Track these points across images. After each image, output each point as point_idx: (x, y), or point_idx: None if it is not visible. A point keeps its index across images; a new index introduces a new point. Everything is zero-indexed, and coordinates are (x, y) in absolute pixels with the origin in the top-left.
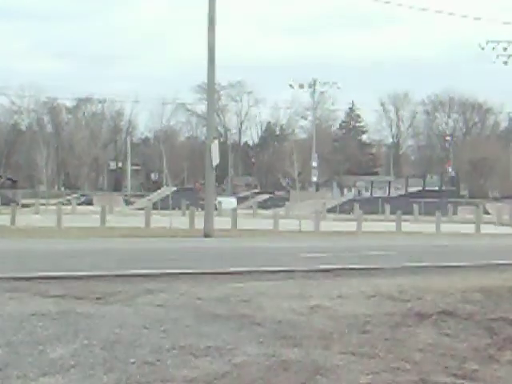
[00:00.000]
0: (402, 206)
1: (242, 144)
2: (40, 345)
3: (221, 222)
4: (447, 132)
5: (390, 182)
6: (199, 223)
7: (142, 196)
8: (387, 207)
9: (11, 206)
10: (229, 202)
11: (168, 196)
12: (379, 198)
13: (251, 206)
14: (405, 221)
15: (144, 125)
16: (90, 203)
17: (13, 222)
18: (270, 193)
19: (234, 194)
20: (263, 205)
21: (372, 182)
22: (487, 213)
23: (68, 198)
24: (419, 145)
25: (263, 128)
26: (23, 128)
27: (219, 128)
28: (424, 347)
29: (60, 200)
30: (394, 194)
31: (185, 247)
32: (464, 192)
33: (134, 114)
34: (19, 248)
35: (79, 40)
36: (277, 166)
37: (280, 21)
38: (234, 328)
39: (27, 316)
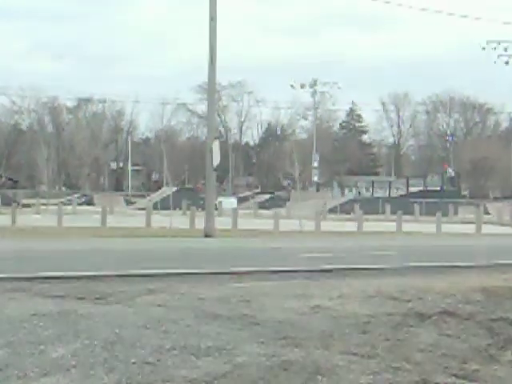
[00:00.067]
0: (403, 206)
1: (242, 144)
2: (41, 345)
3: (221, 222)
4: (448, 132)
5: (390, 182)
6: (200, 223)
7: (143, 196)
8: (388, 207)
9: (12, 206)
10: (229, 202)
11: (169, 196)
12: (380, 198)
13: (252, 206)
14: (405, 221)
15: (145, 125)
16: (90, 203)
17: (13, 221)
18: (271, 193)
19: (234, 194)
20: (264, 205)
21: (373, 182)
22: (488, 213)
23: (69, 198)
24: (420, 145)
25: (264, 128)
26: (24, 128)
27: (220, 128)
28: (425, 347)
29: (61, 200)
30: (394, 194)
31: (185, 247)
32: (465, 192)
33: (135, 114)
34: (20, 248)
35: (79, 40)
36: (277, 166)
37: (280, 21)
38: (235, 328)
39: (28, 316)
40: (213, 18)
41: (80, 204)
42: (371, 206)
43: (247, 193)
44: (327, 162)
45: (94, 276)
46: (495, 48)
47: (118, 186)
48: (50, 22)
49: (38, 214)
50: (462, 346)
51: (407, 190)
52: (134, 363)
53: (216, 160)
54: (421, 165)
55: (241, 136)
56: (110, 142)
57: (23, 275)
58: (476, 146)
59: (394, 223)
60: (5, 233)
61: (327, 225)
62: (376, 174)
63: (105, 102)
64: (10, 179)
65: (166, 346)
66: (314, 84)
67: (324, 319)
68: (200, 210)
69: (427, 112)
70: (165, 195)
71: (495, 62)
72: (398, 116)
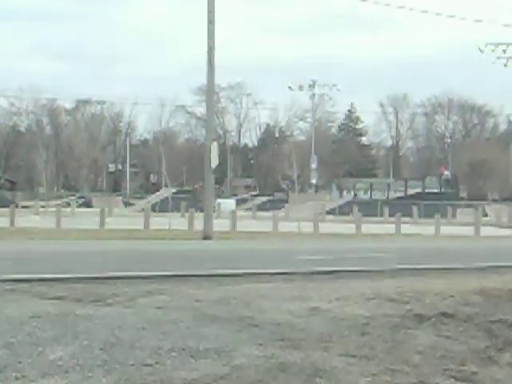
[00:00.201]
0: (401, 208)
1: (241, 146)
2: (39, 346)
3: (220, 224)
4: (446, 134)
5: (389, 184)
6: (198, 225)
7: (141, 198)
8: (386, 209)
9: (10, 207)
10: (228, 204)
11: (167, 198)
12: (378, 200)
13: (250, 208)
14: (404, 223)
15: (143, 126)
16: (89, 205)
17: (12, 223)
18: (270, 195)
19: (233, 195)
20: (262, 207)
21: (371, 184)
22: (486, 215)
23: (65, 200)
24: (418, 147)
25: (262, 130)
26: (22, 130)
27: (218, 130)
28: (423, 349)
29: (59, 202)
30: (393, 196)
31: (184, 249)
32: (463, 194)
33: (133, 116)
34: (18, 249)
35: (79, 40)
36: (276, 168)
37: (280, 21)
38: (234, 330)
39: (26, 318)
40: (211, 21)
41: (78, 206)
42: (370, 208)
43: (246, 195)
44: (326, 164)
45: (93, 278)
46: (493, 50)
47: (116, 188)
48: (50, 23)
49: (37, 215)
50: (460, 348)
51: (406, 192)
52: (132, 365)
53: (214, 162)
54: (419, 167)
55: (239, 138)
56: (109, 143)
57: (22, 277)
58: (474, 148)
59: (393, 225)
60: (3, 234)
61: (326, 227)
62: (374, 175)
63: (103, 103)
64: (8, 181)
65: (165, 347)
66: (312, 86)
67: (322, 321)
68: (198, 211)
69: (426, 114)
70: (163, 197)
71: (494, 63)
72: (397, 118)
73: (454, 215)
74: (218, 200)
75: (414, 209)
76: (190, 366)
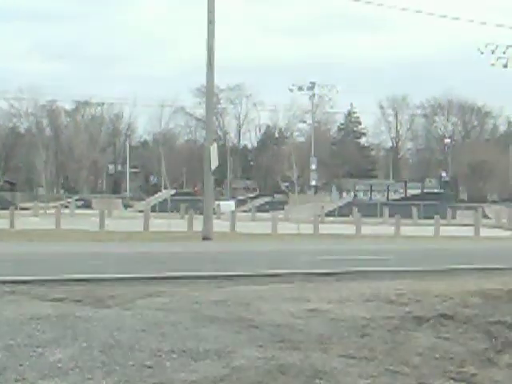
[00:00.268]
0: (401, 209)
1: (240, 147)
2: (39, 348)
3: (219, 226)
4: (446, 135)
5: (388, 186)
6: (198, 226)
7: (141, 199)
8: (386, 210)
9: (10, 208)
10: (227, 205)
11: (167, 199)
12: (378, 201)
13: (250, 209)
14: (404, 224)
15: (143, 128)
16: (88, 206)
17: (11, 224)
18: (269, 196)
19: (232, 197)
20: (262, 208)
21: (371, 186)
22: (486, 216)
23: (62, 202)
24: (418, 148)
25: (262, 131)
26: (22, 131)
27: (218, 131)
28: (423, 351)
29: (60, 203)
30: (393, 197)
31: (183, 250)
32: (463, 195)
33: (133, 117)
34: (18, 251)
35: (78, 41)
36: (276, 169)
37: (279, 21)
38: (233, 331)
39: (26, 319)
40: (211, 21)
41: (78, 207)
42: (369, 209)
43: (245, 196)
44: (325, 165)
45: (92, 279)
46: (493, 51)
47: (116, 189)
48: (50, 23)
49: (36, 217)
50: (459, 350)
51: (405, 193)
52: (132, 366)
53: (214, 163)
54: (419, 168)
55: (239, 139)
56: (108, 145)
57: (21, 278)
58: (474, 150)
59: (393, 226)
60: (3, 236)
61: (325, 228)
62: (374, 177)
63: (103, 104)
64: (7, 182)
65: (165, 349)
66: (312, 87)
67: (322, 322)
68: (198, 213)
69: (425, 115)
70: (163, 198)
71: (493, 65)
72: (396, 119)
73: (453, 216)
74: (218, 201)
75: (414, 210)
76: (189, 368)
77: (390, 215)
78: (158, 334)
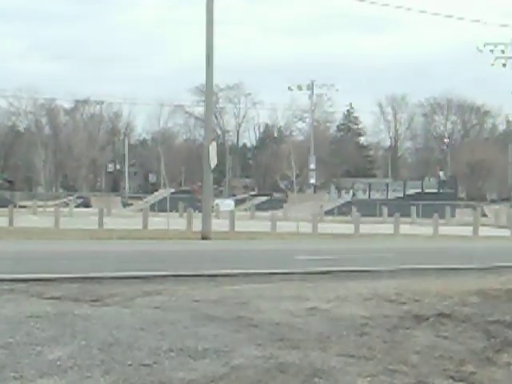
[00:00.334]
0: (400, 208)
1: (239, 146)
2: (37, 346)
3: (218, 224)
4: (445, 134)
5: (387, 185)
6: (197, 225)
7: (140, 198)
8: (385, 209)
9: (9, 207)
10: (226, 204)
11: (165, 198)
12: (377, 200)
13: (249, 208)
14: (403, 223)
15: (142, 126)
16: (87, 205)
17: (10, 223)
18: (268, 195)
19: (231, 195)
20: (261, 207)
21: (370, 185)
22: (485, 215)
23: (64, 200)
24: (417, 147)
25: (261, 130)
26: (21, 130)
27: (217, 130)
28: (421, 349)
29: (60, 201)
30: (391, 196)
31: (182, 249)
32: (462, 194)
33: (132, 116)
34: (17, 249)
35: (78, 41)
36: (275, 168)
37: (279, 21)
38: (232, 330)
39: (24, 318)
40: (210, 21)
41: (77, 206)
42: (368, 208)
43: (244, 195)
44: (324, 164)
45: (91, 278)
46: (492, 50)
47: (114, 188)
48: (49, 23)
49: (35, 215)
50: (458, 349)
51: (404, 192)
52: (130, 365)
53: (213, 162)
54: (418, 167)
55: (238, 138)
56: (107, 143)
57: (20, 276)
58: (473, 149)
59: (391, 225)
60: (1, 234)
61: (324, 227)
62: (373, 176)
63: (102, 103)
64: (6, 180)
65: (164, 347)
66: (311, 86)
67: (321, 321)
68: (197, 211)
69: (424, 114)
70: (162, 197)
71: (492, 65)
72: (395, 118)
73: (452, 215)
74: (217, 200)
75: (413, 209)
76: (188, 367)
77: (389, 214)
78: (157, 332)
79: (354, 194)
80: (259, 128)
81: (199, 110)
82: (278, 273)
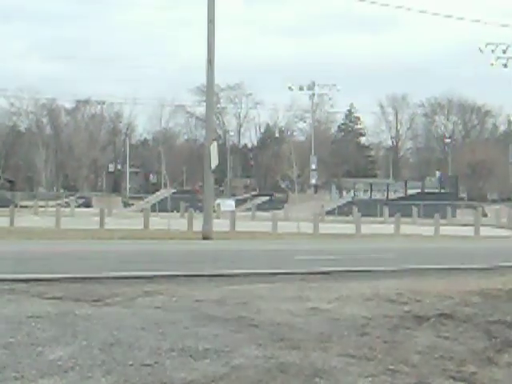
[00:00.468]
0: (401, 208)
1: (240, 146)
2: (38, 346)
3: (219, 224)
4: (446, 135)
5: (388, 185)
6: (198, 225)
7: (141, 198)
8: (386, 210)
9: (10, 207)
10: (227, 204)
11: (167, 198)
12: (378, 200)
13: (250, 208)
14: (404, 223)
15: (143, 127)
16: (88, 205)
17: (11, 223)
18: (269, 195)
19: (232, 196)
20: (262, 207)
21: (371, 185)
22: (486, 215)
23: (66, 200)
24: (418, 147)
25: (262, 130)
26: (22, 130)
27: (218, 130)
28: (422, 350)
29: (59, 201)
30: (393, 196)
31: (183, 249)
32: (463, 194)
33: (133, 116)
34: (18, 249)
35: (78, 41)
36: (276, 168)
37: (279, 21)
38: (233, 330)
39: (25, 318)
40: (211, 21)
41: (78, 206)
42: (369, 209)
43: (245, 195)
44: (325, 164)
45: (92, 278)
46: (493, 51)
47: (115, 188)
48: (50, 23)
49: (36, 215)
50: (459, 349)
51: (405, 192)
52: (131, 365)
53: (214, 162)
54: (419, 167)
55: (239, 138)
56: (108, 143)
57: (21, 277)
58: (474, 149)
59: (392, 225)
60: (2, 234)
61: (325, 227)
62: (374, 176)
63: (103, 103)
64: (7, 180)
65: (164, 347)
66: (312, 86)
67: (322, 321)
68: (198, 212)
69: (425, 114)
70: (163, 197)
71: (493, 65)
72: (396, 118)
73: (453, 215)
74: (218, 200)
75: (414, 209)
76: (189, 367)
77: (390, 214)
78: (158, 332)
79: (354, 194)
80: (260, 128)
81: (200, 110)
82: (279, 273)
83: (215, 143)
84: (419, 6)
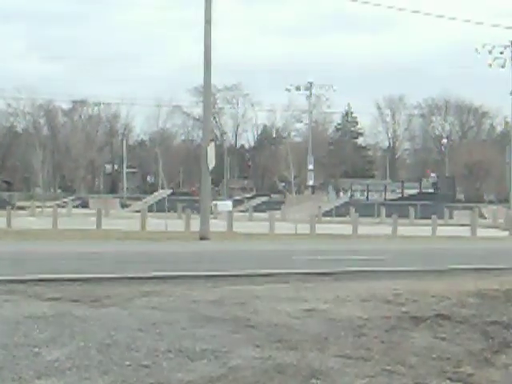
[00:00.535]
0: (398, 209)
1: (238, 147)
2: (35, 347)
3: (216, 225)
4: (443, 135)
5: (385, 186)
6: (195, 226)
7: (138, 199)
8: (383, 210)
9: (7, 208)
10: (224, 205)
11: (164, 199)
12: (375, 201)
13: (247, 209)
14: (401, 224)
15: (140, 127)
16: (85, 206)
17: (8, 224)
18: (266, 196)
19: (229, 196)
20: (259, 208)
21: (368, 186)
22: (483, 216)
23: (64, 200)
24: (415, 148)
25: (259, 131)
26: (19, 130)
27: (215, 131)
28: (419, 351)
29: (57, 202)
30: (390, 197)
31: (180, 250)
32: (460, 195)
33: (130, 117)
34: (15, 250)
35: (78, 41)
36: (273, 169)
37: (279, 21)
38: (230, 331)
39: (23, 318)
40: (208, 21)
41: (75, 206)
42: (366, 209)
43: (242, 196)
44: (322, 165)
45: (89, 278)
46: (490, 52)
47: (113, 189)
48: (49, 23)
49: (33, 216)
50: (456, 350)
51: (402, 193)
52: (128, 366)
53: (211, 163)
54: (416, 168)
55: (236, 139)
56: (106, 144)
57: (18, 277)
58: (471, 150)
59: (390, 226)
60: None
61: (322, 228)
62: (371, 177)
63: (100, 104)
64: (5, 181)
65: (162, 348)
66: (309, 87)
67: (319, 322)
68: (195, 212)
69: (422, 115)
70: (160, 198)
71: (490, 65)
72: (394, 119)
73: (450, 216)
74: (215, 201)
75: (411, 210)
76: (186, 367)
77: (387, 215)
78: (155, 333)
79: (352, 195)
80: (257, 129)
81: (197, 110)
82: (276, 273)
83: (212, 144)
84: (416, 7)
